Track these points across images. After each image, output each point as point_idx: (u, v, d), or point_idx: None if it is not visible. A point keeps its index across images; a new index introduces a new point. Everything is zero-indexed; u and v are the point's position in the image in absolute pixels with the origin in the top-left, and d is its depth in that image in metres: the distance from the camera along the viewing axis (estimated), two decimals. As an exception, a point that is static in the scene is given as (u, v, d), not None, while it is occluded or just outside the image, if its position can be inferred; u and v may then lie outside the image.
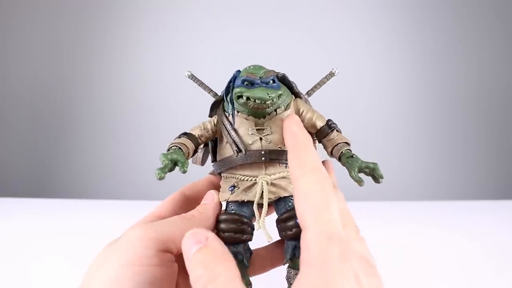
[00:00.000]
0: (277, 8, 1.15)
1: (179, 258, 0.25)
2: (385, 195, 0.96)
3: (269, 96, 0.27)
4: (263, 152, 0.28)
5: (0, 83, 1.19)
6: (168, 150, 0.28)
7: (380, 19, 1.16)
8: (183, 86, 1.22)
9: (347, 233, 0.22)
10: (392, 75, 1.16)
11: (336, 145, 0.28)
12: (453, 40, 1.14)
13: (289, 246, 0.27)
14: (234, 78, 0.28)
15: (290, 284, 0.27)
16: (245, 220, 0.28)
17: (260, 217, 0.28)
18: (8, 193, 1.00)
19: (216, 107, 0.31)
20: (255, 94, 0.27)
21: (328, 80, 0.32)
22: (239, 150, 0.28)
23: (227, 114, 0.29)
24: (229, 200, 0.28)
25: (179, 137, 0.29)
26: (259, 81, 0.28)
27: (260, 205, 0.28)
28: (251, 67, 0.29)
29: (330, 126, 0.29)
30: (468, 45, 1.14)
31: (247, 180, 0.28)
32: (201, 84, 0.32)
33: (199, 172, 0.34)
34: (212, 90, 0.32)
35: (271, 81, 0.28)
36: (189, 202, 0.31)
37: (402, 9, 1.16)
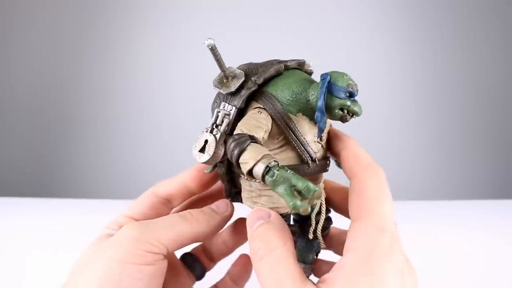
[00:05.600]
0: (279, 7, 1.15)
1: (168, 255, 0.26)
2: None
3: (362, 112, 0.25)
4: (328, 162, 0.27)
5: (0, 83, 1.19)
6: (279, 168, 0.21)
7: (380, 18, 1.16)
8: (185, 86, 1.21)
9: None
10: (391, 74, 1.16)
11: None
12: (452, 39, 1.14)
13: (313, 245, 0.28)
14: (328, 83, 0.24)
15: None
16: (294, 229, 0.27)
17: (316, 226, 0.27)
18: (8, 193, 1.00)
19: (250, 97, 0.26)
20: (358, 110, 0.24)
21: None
22: (313, 160, 0.25)
23: (293, 116, 0.25)
24: (291, 212, 0.26)
25: (254, 141, 0.23)
26: (356, 94, 0.25)
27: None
28: (348, 76, 0.25)
29: None
30: (467, 44, 1.14)
31: None
32: (220, 60, 0.26)
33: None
34: (227, 69, 0.27)
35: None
36: (162, 202, 0.30)
37: (401, 8, 1.15)
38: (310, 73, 0.29)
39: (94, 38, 1.18)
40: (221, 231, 0.30)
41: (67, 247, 0.60)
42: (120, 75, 1.18)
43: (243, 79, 0.26)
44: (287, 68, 0.27)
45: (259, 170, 0.21)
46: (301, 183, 0.20)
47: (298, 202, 0.20)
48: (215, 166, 0.28)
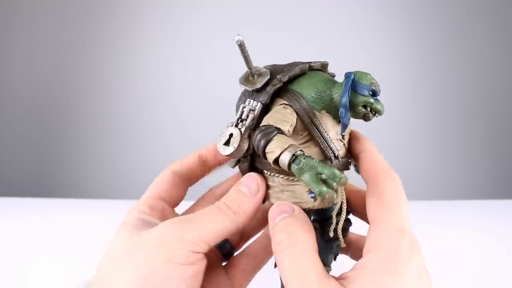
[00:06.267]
0: (280, 7, 1.15)
1: (207, 252, 0.25)
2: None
3: (384, 110, 0.25)
4: (350, 160, 0.27)
5: (0, 83, 1.19)
6: (305, 157, 0.22)
7: (380, 18, 1.16)
8: (185, 86, 1.21)
9: None
10: (391, 74, 1.16)
11: None
12: (452, 39, 1.14)
13: (332, 247, 0.28)
14: (353, 81, 0.25)
15: None
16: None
17: (337, 225, 0.27)
18: (8, 193, 1.00)
19: (275, 94, 0.27)
20: (381, 108, 0.25)
21: None
22: (336, 157, 0.26)
23: (317, 113, 0.26)
24: (313, 208, 0.26)
25: (280, 132, 0.23)
26: (379, 94, 0.25)
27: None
28: (371, 76, 0.25)
29: None
30: (467, 44, 1.14)
31: None
32: (247, 57, 0.27)
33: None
34: (253, 67, 0.28)
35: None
36: (180, 180, 0.31)
37: (401, 8, 1.15)
38: (332, 76, 0.30)
39: (94, 38, 1.17)
40: None
41: (67, 247, 0.60)
42: (120, 75, 1.18)
43: (269, 77, 0.27)
44: (311, 68, 0.28)
45: (285, 158, 0.22)
46: (327, 170, 0.21)
47: (324, 188, 0.20)
48: (238, 161, 0.28)
